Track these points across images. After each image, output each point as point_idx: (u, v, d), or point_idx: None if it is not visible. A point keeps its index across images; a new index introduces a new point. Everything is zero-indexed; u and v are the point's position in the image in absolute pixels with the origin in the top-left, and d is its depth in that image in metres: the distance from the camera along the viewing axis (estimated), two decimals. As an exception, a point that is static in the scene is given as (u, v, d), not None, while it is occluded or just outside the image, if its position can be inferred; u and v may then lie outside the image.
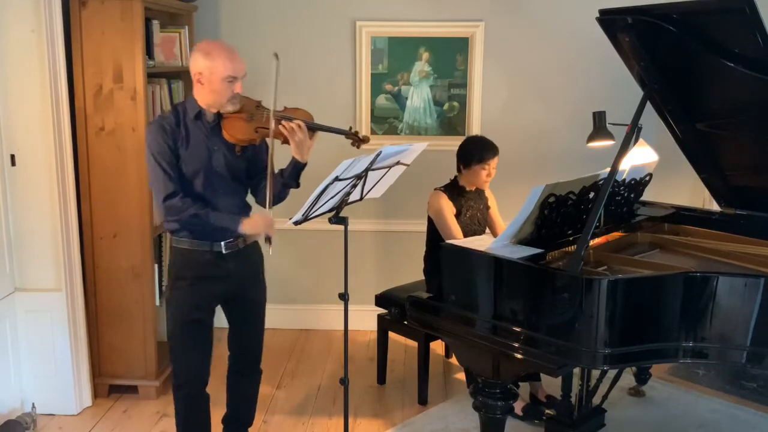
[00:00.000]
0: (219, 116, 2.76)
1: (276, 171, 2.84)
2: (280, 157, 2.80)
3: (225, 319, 3.06)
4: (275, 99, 2.64)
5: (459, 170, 3.65)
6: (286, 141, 2.74)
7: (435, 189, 3.64)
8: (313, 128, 2.77)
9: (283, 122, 2.70)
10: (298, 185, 2.87)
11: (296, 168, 2.82)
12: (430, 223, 3.65)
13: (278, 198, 2.87)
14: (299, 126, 2.69)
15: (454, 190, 3.63)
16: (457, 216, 3.59)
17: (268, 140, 2.72)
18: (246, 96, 2.80)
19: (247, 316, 3.02)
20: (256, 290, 3.02)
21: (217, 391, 3.04)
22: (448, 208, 3.56)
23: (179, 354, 2.89)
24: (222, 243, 2.80)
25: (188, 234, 2.80)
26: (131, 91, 3.50)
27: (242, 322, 3.03)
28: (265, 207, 2.80)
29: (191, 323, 2.84)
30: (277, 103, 2.69)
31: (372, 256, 4.65)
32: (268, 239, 2.75)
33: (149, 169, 2.74)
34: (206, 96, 2.72)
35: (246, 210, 2.92)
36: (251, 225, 2.76)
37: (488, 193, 3.77)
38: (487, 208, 3.75)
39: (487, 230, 3.78)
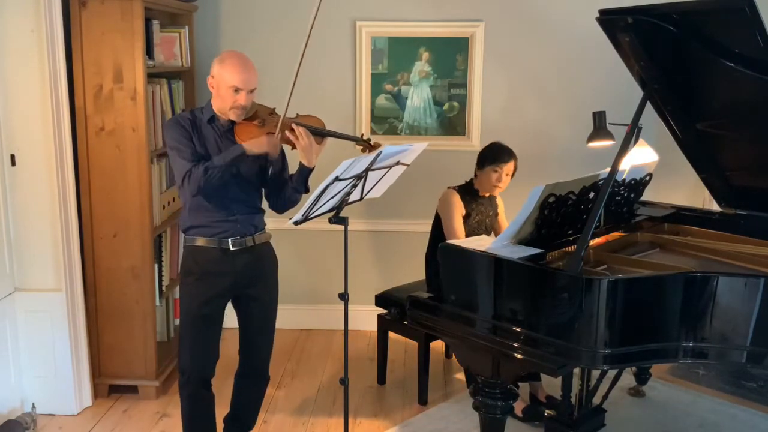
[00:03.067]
0: (233, 122, 2.84)
1: (286, 176, 2.97)
2: (293, 165, 2.92)
3: (236, 320, 3.08)
4: (292, 91, 2.70)
5: (475, 174, 3.65)
6: (295, 147, 2.82)
7: (449, 187, 3.65)
8: (323, 134, 2.87)
9: (291, 126, 2.78)
10: (306, 190, 2.93)
11: (303, 173, 2.88)
12: (437, 220, 3.65)
13: (289, 201, 2.96)
14: (305, 132, 2.77)
15: (467, 191, 3.63)
16: (466, 218, 3.59)
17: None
18: (261, 104, 2.91)
19: (254, 316, 3.04)
20: (265, 290, 3.03)
21: (222, 389, 3.04)
22: (458, 206, 3.56)
23: (184, 349, 2.93)
24: (229, 240, 2.86)
25: (198, 232, 2.87)
26: (131, 91, 3.50)
27: (249, 323, 3.05)
28: (278, 212, 3.01)
29: (197, 319, 2.89)
30: (290, 109, 2.77)
31: (372, 256, 4.66)
32: (272, 160, 2.83)
33: (170, 160, 2.83)
34: (216, 100, 2.82)
35: (259, 213, 2.97)
36: (253, 145, 2.74)
37: (499, 200, 3.77)
38: (496, 215, 3.75)
39: (493, 235, 3.77)
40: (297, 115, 2.90)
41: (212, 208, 2.84)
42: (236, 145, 2.76)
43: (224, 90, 2.75)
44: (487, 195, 3.67)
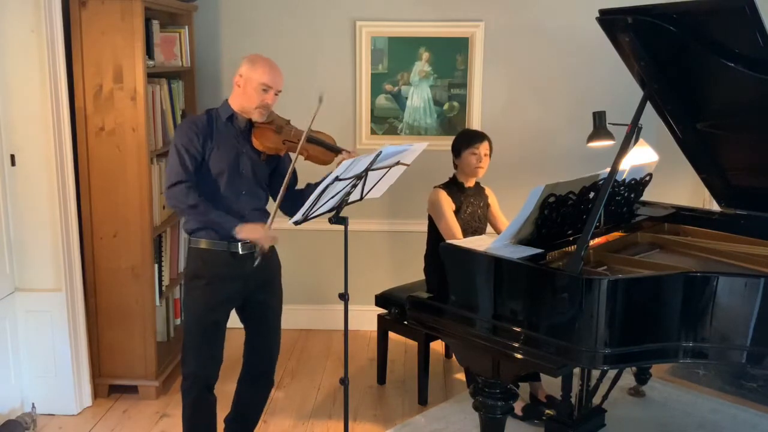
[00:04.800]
0: (250, 123, 2.88)
1: (303, 186, 3.02)
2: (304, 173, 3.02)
3: (236, 319, 3.06)
4: (311, 124, 2.76)
5: (455, 166, 3.69)
6: (308, 158, 2.91)
7: (434, 187, 3.66)
8: (338, 150, 2.96)
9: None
10: None
11: None
12: (431, 221, 3.66)
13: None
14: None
15: (452, 186, 3.66)
16: (457, 212, 3.60)
17: (292, 154, 2.88)
18: (276, 114, 2.96)
19: (260, 321, 3.03)
20: (271, 295, 3.04)
21: (222, 389, 3.04)
22: (447, 203, 3.57)
23: (190, 355, 2.90)
24: (239, 244, 2.84)
25: (205, 234, 2.84)
26: (131, 91, 3.50)
27: (255, 328, 3.04)
28: (290, 217, 2.87)
29: (205, 324, 2.87)
30: (300, 123, 2.87)
31: (372, 256, 4.65)
32: (261, 251, 2.81)
33: (168, 160, 2.83)
34: (240, 99, 2.83)
35: (264, 216, 2.94)
36: (248, 230, 2.78)
37: (488, 191, 3.78)
38: (488, 205, 3.75)
39: (489, 228, 3.78)
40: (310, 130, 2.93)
41: (223, 210, 2.81)
42: (235, 225, 2.75)
43: (252, 88, 2.78)
44: (473, 185, 3.70)
